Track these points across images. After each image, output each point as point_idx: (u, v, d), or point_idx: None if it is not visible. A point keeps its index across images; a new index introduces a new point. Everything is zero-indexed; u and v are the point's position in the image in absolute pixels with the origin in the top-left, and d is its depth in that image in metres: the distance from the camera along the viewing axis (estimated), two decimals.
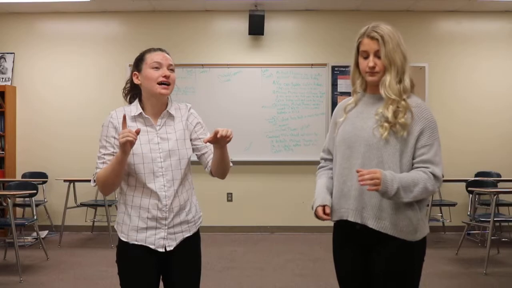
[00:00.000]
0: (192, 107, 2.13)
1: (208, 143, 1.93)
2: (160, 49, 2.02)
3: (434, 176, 1.80)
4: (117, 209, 2.12)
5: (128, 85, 2.07)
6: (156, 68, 1.96)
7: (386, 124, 1.81)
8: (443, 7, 6.51)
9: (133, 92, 2.07)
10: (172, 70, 2.00)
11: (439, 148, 1.84)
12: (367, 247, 1.88)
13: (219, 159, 1.96)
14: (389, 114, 1.81)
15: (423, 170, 1.80)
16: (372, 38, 1.84)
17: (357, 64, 1.93)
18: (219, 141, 1.86)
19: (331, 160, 2.04)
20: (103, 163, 1.93)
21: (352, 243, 1.92)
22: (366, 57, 1.87)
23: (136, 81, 2.00)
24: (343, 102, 2.05)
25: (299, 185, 6.49)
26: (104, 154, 1.95)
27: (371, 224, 1.83)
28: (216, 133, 1.82)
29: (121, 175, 1.91)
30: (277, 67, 6.56)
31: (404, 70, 1.85)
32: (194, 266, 2.08)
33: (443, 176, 1.84)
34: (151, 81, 1.95)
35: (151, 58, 1.97)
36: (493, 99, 6.62)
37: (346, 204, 1.89)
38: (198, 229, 2.10)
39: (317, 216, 1.95)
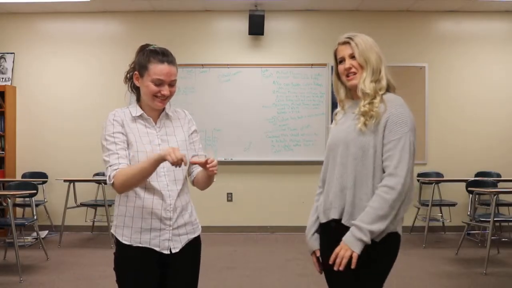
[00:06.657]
0: (190, 113, 2.13)
1: (198, 156, 2.04)
2: (166, 60, 1.93)
3: (391, 176, 1.77)
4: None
5: (131, 71, 2.02)
6: (157, 84, 1.91)
7: (362, 118, 1.84)
8: (443, 7, 6.51)
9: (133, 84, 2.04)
10: (174, 83, 1.95)
11: (406, 144, 1.79)
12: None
13: (206, 178, 2.00)
14: (365, 108, 1.84)
15: (378, 189, 1.79)
16: (344, 43, 1.92)
17: (338, 74, 1.99)
18: (205, 168, 1.88)
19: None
20: (119, 158, 1.89)
21: (333, 241, 1.90)
22: (342, 62, 1.93)
23: (136, 82, 1.99)
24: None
25: (299, 185, 6.50)
26: (118, 150, 1.91)
27: (344, 220, 1.85)
28: (206, 161, 1.84)
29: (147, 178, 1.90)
30: (277, 67, 6.55)
31: (380, 71, 1.89)
32: (194, 269, 2.07)
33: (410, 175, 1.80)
34: (149, 94, 1.93)
35: (155, 71, 1.90)
36: (493, 99, 6.62)
37: (325, 206, 1.95)
38: (199, 233, 2.10)
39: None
